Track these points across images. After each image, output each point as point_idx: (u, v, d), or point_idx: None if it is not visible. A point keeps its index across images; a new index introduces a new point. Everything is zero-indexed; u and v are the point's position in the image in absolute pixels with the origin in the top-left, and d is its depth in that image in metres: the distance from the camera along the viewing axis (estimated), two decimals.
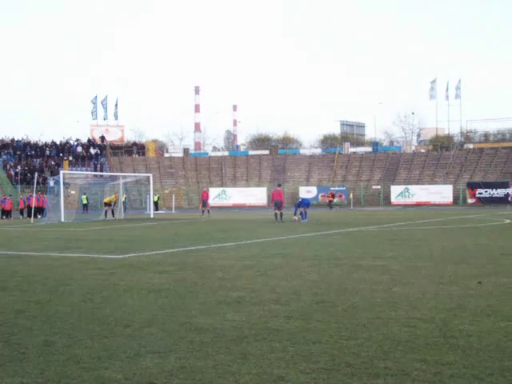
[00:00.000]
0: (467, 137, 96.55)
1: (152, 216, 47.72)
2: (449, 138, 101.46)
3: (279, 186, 39.64)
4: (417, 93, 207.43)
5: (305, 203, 37.16)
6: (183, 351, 6.65)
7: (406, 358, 6.27)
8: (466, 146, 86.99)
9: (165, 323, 8.04)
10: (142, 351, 6.67)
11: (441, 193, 71.93)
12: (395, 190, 74.02)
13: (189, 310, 8.86)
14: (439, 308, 8.79)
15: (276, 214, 35.61)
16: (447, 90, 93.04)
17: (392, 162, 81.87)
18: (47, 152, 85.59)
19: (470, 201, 70.25)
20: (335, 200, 73.54)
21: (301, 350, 6.65)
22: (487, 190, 70.21)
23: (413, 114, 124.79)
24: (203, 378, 5.76)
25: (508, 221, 33.60)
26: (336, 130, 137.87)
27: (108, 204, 45.70)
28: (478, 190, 70.51)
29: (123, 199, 51.65)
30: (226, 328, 7.72)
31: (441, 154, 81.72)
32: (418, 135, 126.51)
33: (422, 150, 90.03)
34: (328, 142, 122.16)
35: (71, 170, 77.18)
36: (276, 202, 36.11)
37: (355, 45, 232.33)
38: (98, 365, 6.19)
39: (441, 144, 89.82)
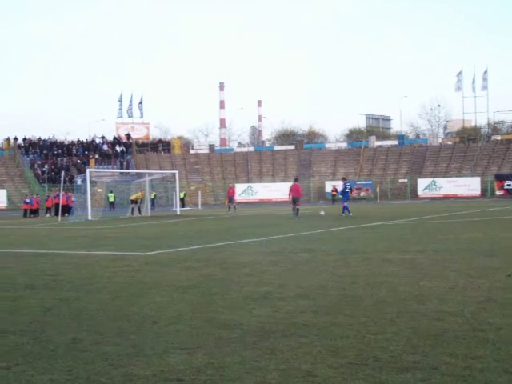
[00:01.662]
0: (495, 128, 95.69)
1: (178, 213, 47.82)
2: (476, 129, 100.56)
3: (296, 180, 37.83)
4: (443, 84, 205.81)
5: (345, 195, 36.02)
6: (210, 347, 6.65)
7: (434, 352, 6.22)
8: (493, 137, 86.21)
9: (192, 319, 8.05)
10: (170, 348, 6.68)
11: (468, 185, 71.29)
12: (422, 183, 73.51)
13: (216, 306, 8.86)
14: (468, 301, 8.72)
15: (293, 209, 34.61)
16: (474, 81, 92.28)
17: (418, 155, 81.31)
18: (73, 150, 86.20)
19: (498, 193, 69.58)
20: (364, 195, 73.31)
21: (328, 344, 6.63)
22: None
23: (439, 106, 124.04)
24: (231, 373, 5.75)
25: None
26: (361, 124, 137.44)
27: (134, 201, 45.86)
28: (507, 182, 69.77)
29: (152, 196, 51.76)
30: (253, 324, 7.71)
31: (468, 146, 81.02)
32: (445, 127, 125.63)
33: (449, 143, 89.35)
34: (354, 135, 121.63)
35: (97, 168, 77.61)
36: (293, 198, 34.92)
37: (380, 37, 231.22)
38: (125, 361, 6.21)
39: (468, 136, 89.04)
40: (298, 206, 34.46)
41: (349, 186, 37.03)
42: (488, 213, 34.52)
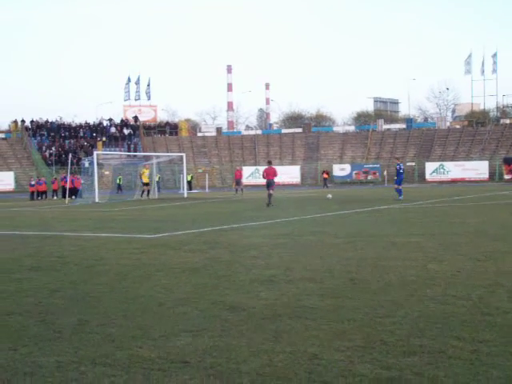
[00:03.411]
0: (503, 112, 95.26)
1: (185, 195, 47.84)
2: (484, 113, 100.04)
3: (270, 163, 33.32)
4: (451, 68, 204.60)
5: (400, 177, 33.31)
6: (217, 330, 6.63)
7: (442, 336, 6.19)
8: (502, 121, 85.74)
9: (198, 302, 8.03)
10: (176, 330, 6.67)
11: (476, 169, 71.02)
12: (430, 167, 73.29)
13: (222, 289, 8.84)
14: (475, 285, 8.68)
15: (268, 195, 30.44)
16: (483, 64, 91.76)
17: (426, 139, 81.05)
18: (81, 133, 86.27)
19: (506, 177, 69.25)
20: (371, 178, 73.19)
21: (335, 328, 6.60)
22: None
23: (447, 89, 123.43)
24: (237, 356, 5.73)
25: None
26: (369, 107, 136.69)
27: (146, 184, 45.67)
28: None
29: (157, 179, 51.77)
30: (259, 306, 7.69)
31: (476, 130, 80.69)
32: (453, 111, 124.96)
33: (457, 126, 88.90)
34: (361, 119, 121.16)
35: (105, 150, 77.64)
36: (268, 182, 31.19)
37: (388, 20, 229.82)
38: (131, 344, 6.20)
39: (476, 119, 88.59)
40: (271, 191, 30.58)
41: (403, 168, 34.04)
42: (496, 196, 34.39)
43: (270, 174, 31.42)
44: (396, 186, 33.23)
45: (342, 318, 6.97)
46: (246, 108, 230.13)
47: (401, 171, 33.62)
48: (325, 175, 66.92)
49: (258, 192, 52.19)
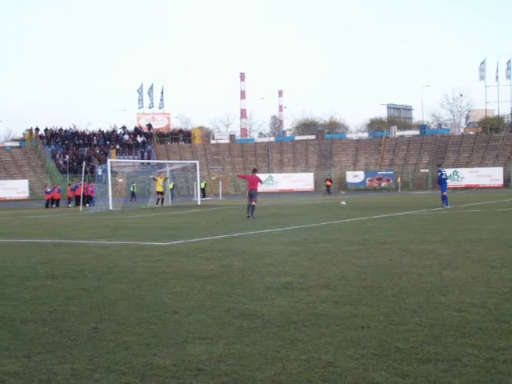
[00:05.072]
0: None
1: (199, 203, 47.90)
2: (499, 119, 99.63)
3: (255, 171, 30.16)
4: (465, 74, 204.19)
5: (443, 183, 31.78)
6: (231, 337, 6.63)
7: (457, 343, 6.16)
8: None
9: (212, 309, 8.04)
10: (190, 337, 6.67)
11: (491, 175, 70.69)
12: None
13: (236, 296, 8.85)
14: (491, 292, 8.63)
15: (249, 207, 27.31)
16: (497, 70, 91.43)
17: (440, 145, 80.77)
18: (95, 141, 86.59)
19: None
20: (385, 185, 72.94)
21: (349, 335, 6.59)
22: None
23: (461, 95, 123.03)
24: (251, 364, 5.73)
25: None
26: (383, 114, 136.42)
27: (161, 192, 45.77)
28: None
29: (171, 187, 51.89)
30: (273, 314, 7.69)
31: (490, 136, 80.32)
32: (467, 117, 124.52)
33: (471, 133, 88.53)
34: (375, 125, 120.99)
35: (118, 158, 77.87)
36: (250, 192, 27.88)
37: (401, 26, 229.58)
38: (146, 351, 6.21)
39: (490, 126, 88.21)
40: (254, 203, 27.16)
41: (445, 173, 32.40)
42: (511, 203, 34.19)
43: (252, 184, 28.09)
44: (443, 193, 31.66)
45: (357, 326, 6.96)
46: (260, 115, 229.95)
47: (443, 177, 32.08)
48: (327, 183, 66.98)
49: (272, 199, 52.26)
